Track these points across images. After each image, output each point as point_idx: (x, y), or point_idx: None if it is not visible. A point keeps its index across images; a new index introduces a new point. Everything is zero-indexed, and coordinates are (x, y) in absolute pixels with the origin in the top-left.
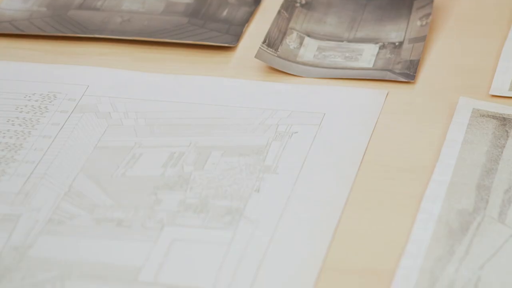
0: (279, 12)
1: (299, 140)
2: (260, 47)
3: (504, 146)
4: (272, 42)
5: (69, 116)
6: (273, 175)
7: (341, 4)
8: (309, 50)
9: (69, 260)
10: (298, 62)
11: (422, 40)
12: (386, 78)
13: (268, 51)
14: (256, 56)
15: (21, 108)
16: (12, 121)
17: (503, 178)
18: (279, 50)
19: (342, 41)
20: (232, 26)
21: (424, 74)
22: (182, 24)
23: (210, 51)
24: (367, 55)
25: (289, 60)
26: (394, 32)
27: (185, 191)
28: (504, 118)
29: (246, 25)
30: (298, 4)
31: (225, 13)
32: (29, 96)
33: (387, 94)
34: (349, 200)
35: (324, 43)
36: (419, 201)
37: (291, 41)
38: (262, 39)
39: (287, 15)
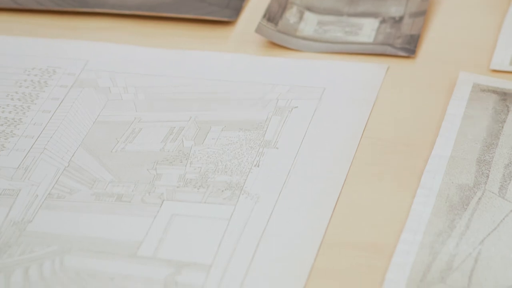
0: None
1: (299, 114)
2: (260, 22)
3: (504, 121)
4: (272, 16)
5: (68, 91)
6: (273, 149)
7: None
8: (309, 24)
9: (68, 235)
10: (298, 37)
11: (423, 14)
12: (387, 53)
13: (268, 25)
14: (256, 31)
15: (20, 83)
16: (12, 95)
17: (504, 152)
18: (279, 24)
19: (342, 15)
20: (232, 0)
21: (424, 48)
22: None
23: (210, 26)
24: (367, 30)
25: (289, 35)
26: (394, 6)
27: (185, 166)
28: (504, 92)
29: None
30: None
31: None
32: (29, 71)
33: (388, 69)
34: (349, 175)
35: (324, 18)
36: (419, 175)
37: (291, 15)
38: (262, 14)
39: None
